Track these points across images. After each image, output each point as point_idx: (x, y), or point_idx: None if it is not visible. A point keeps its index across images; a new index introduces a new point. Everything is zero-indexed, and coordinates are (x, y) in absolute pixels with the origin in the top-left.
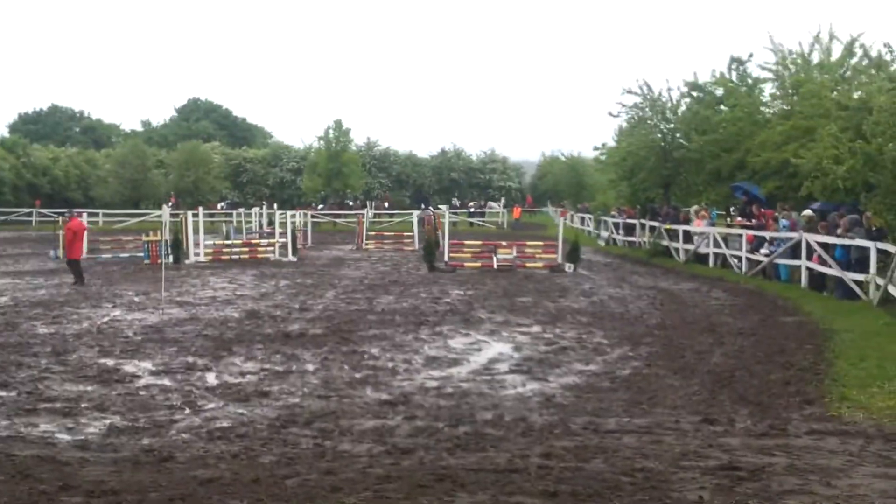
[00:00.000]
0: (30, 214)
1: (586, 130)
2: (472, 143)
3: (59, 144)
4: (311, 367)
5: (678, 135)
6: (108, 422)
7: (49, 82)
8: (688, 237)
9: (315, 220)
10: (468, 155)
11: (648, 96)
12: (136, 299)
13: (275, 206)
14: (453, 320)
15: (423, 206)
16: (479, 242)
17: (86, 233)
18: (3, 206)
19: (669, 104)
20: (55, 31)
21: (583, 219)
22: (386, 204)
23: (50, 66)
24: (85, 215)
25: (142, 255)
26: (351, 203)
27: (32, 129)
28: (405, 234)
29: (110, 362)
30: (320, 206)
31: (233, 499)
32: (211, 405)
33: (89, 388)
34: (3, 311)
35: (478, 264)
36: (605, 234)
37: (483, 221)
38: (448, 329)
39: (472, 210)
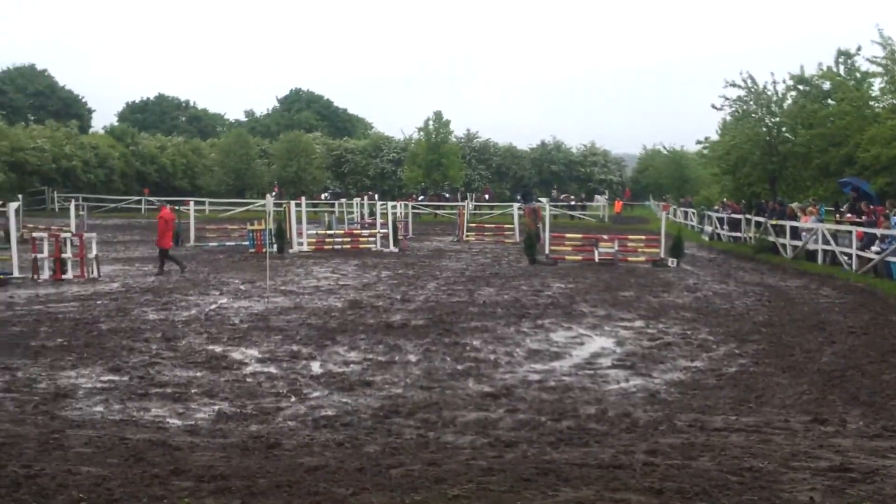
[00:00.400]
0: (139, 202)
1: (689, 124)
2: (573, 137)
3: (166, 133)
4: (413, 358)
5: (784, 129)
6: (216, 408)
7: (156, 72)
8: (795, 233)
9: (416, 211)
10: (568, 147)
11: (753, 89)
12: (242, 287)
13: (376, 196)
14: (555, 313)
15: (520, 197)
16: (580, 236)
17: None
18: (112, 195)
19: (775, 97)
20: (163, 22)
21: (686, 213)
22: (486, 196)
23: (157, 56)
24: (192, 204)
25: (247, 243)
26: (448, 195)
27: (140, 118)
28: (506, 226)
29: (218, 349)
30: (420, 198)
31: (338, 487)
32: (316, 393)
33: (198, 374)
34: (115, 297)
35: (579, 258)
36: (708, 228)
37: (584, 215)
38: (550, 322)
39: (572, 203)
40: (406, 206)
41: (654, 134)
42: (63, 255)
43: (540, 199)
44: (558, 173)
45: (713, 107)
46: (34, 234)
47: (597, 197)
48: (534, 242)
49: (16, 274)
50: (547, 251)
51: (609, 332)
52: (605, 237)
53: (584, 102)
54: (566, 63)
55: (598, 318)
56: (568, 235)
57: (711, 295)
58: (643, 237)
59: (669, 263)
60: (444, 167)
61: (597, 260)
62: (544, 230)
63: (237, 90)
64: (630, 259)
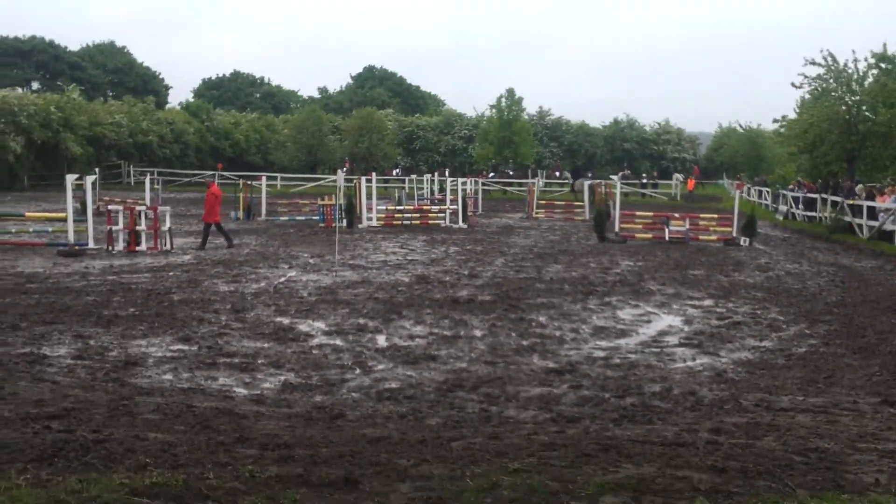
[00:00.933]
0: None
1: (765, 102)
2: (646, 114)
3: (241, 109)
4: (478, 333)
5: (864, 107)
6: (282, 378)
7: (232, 49)
8: (872, 213)
9: (486, 188)
10: (642, 125)
11: (833, 67)
12: (311, 261)
13: (446, 173)
14: (622, 291)
15: (567, 176)
16: (650, 213)
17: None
18: (187, 169)
19: (855, 76)
20: (238, 0)
21: (760, 192)
22: (557, 173)
23: (233, 33)
24: (264, 178)
25: (317, 218)
26: (511, 172)
27: (215, 94)
28: (576, 203)
29: (286, 321)
30: (491, 175)
31: (399, 458)
32: (380, 366)
33: (266, 346)
34: (187, 269)
35: (649, 235)
36: (783, 208)
37: (656, 193)
38: (617, 300)
39: (644, 181)
40: (476, 182)
41: (730, 112)
42: (137, 228)
43: (611, 176)
44: (631, 151)
45: (792, 85)
46: (110, 207)
47: (675, 175)
48: (603, 220)
49: (91, 245)
50: (617, 229)
51: (677, 311)
52: (677, 215)
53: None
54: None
55: (667, 297)
56: (638, 213)
57: (783, 275)
58: (715, 216)
59: (742, 242)
60: (515, 144)
61: (667, 238)
62: (615, 207)
63: (311, 67)
64: (701, 237)
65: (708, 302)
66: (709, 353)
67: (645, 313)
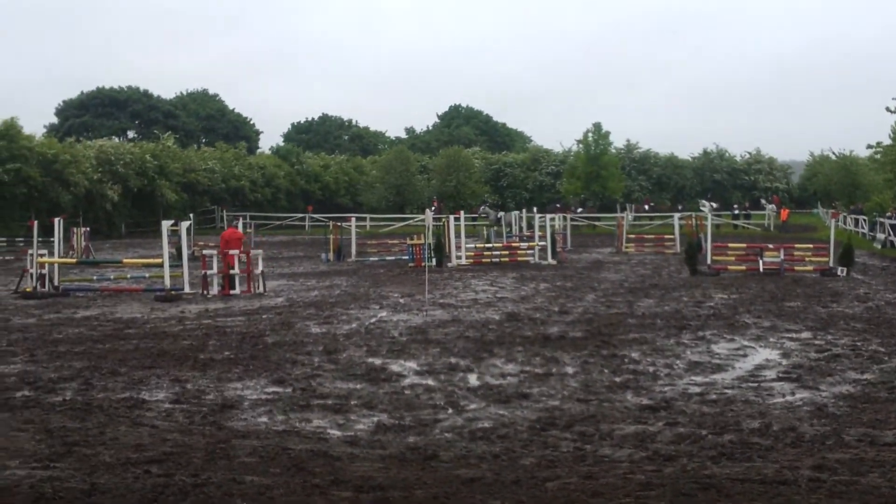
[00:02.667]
0: (303, 219)
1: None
2: (736, 144)
3: (329, 152)
4: (570, 370)
5: None
6: (375, 419)
7: (320, 93)
8: None
9: (574, 223)
10: (732, 156)
11: None
12: (402, 301)
13: (534, 209)
14: (717, 325)
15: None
16: (743, 245)
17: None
18: (278, 212)
19: None
20: (326, 45)
21: (856, 220)
22: (646, 207)
23: (320, 77)
24: (353, 220)
25: (406, 257)
26: (581, 209)
27: (304, 137)
28: (666, 236)
29: (377, 361)
30: (579, 210)
31: (494, 499)
32: (473, 405)
33: (358, 386)
34: (280, 311)
35: (742, 267)
36: (881, 236)
37: (748, 223)
38: (711, 334)
39: (735, 212)
40: (564, 217)
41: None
42: (231, 272)
43: (701, 207)
44: (721, 182)
45: (888, 110)
46: (204, 252)
47: (766, 205)
48: (695, 253)
49: (187, 290)
50: (709, 261)
51: (774, 344)
52: (771, 246)
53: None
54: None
55: (763, 330)
56: (731, 245)
57: (884, 305)
58: (811, 246)
59: (839, 272)
60: (603, 179)
61: (761, 270)
62: (706, 240)
63: (398, 108)
64: (797, 268)
65: (806, 334)
66: (808, 387)
67: (741, 347)
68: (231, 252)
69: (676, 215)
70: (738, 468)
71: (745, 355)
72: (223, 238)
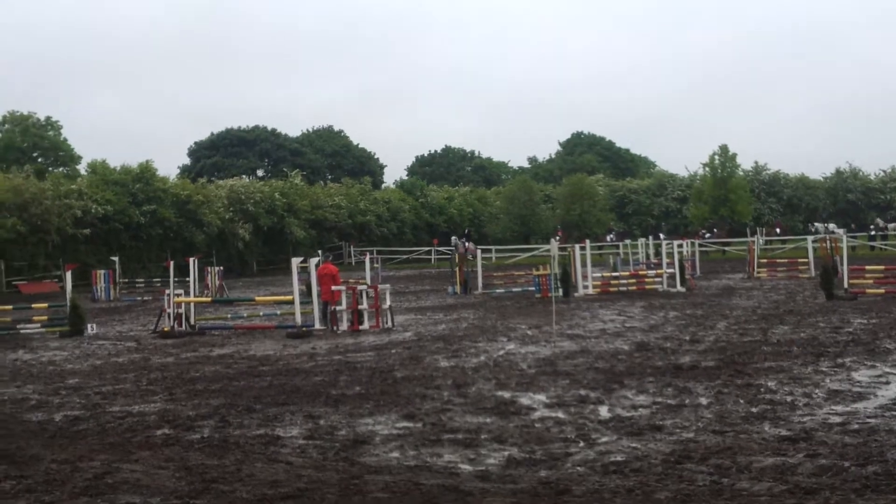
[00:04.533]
0: (428, 253)
1: None
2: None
3: (453, 184)
4: (704, 401)
5: None
6: (506, 453)
7: (441, 125)
8: None
9: (703, 248)
10: (866, 174)
11: None
12: (529, 332)
13: (661, 235)
14: (856, 351)
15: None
16: (881, 267)
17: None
18: (404, 246)
19: None
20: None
21: None
22: (777, 230)
23: (441, 110)
24: (479, 252)
25: (533, 288)
26: (707, 235)
27: (428, 170)
28: (800, 260)
29: (507, 394)
30: (707, 235)
31: None
32: (604, 438)
33: (488, 420)
34: (408, 345)
35: (882, 291)
36: None
37: (885, 245)
38: (851, 361)
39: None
40: (692, 244)
41: None
42: (360, 307)
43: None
44: (855, 202)
45: None
46: (333, 288)
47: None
48: (831, 276)
49: (317, 326)
50: (846, 285)
51: None
52: None
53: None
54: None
55: None
56: (868, 267)
57: None
58: None
59: None
60: (731, 202)
61: None
62: (841, 263)
63: (520, 137)
64: None
65: None
66: None
67: (882, 374)
68: (334, 288)
69: (810, 238)
70: (883, 501)
71: (887, 382)
72: (318, 274)
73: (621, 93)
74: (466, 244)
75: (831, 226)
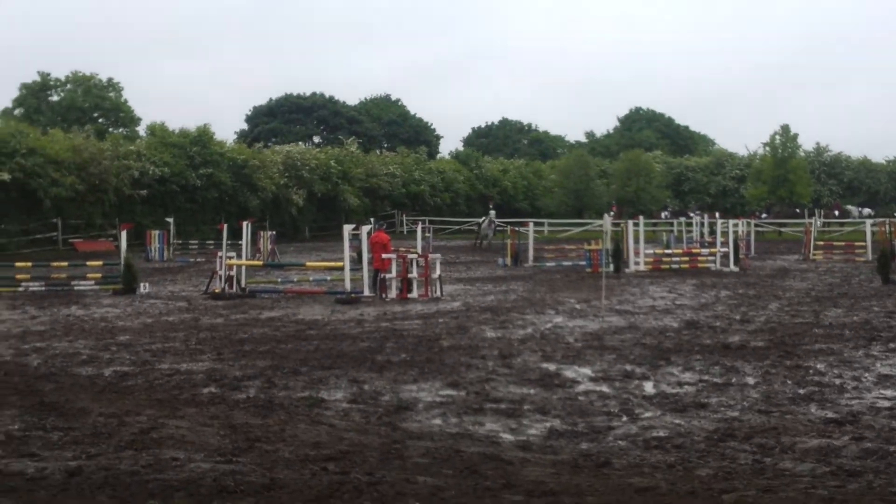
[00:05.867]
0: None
1: None
2: None
3: (508, 156)
4: (751, 381)
5: None
6: (548, 425)
7: (499, 97)
8: None
9: (759, 229)
10: None
11: None
12: (578, 307)
13: (717, 214)
14: None
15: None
16: None
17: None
18: (457, 217)
19: None
20: (506, 50)
21: None
22: (836, 212)
23: (500, 82)
24: (531, 224)
25: (584, 263)
26: (765, 215)
27: (484, 142)
28: (857, 243)
29: (552, 367)
30: (764, 215)
31: None
32: (648, 414)
33: (532, 392)
34: (456, 315)
35: None
36: None
37: None
38: None
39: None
40: (748, 223)
41: None
42: (409, 276)
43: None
44: None
45: None
46: (384, 256)
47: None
48: (888, 260)
49: (366, 293)
50: None
51: None
52: None
53: None
54: None
55: None
56: None
57: None
58: None
59: None
60: (790, 183)
61: None
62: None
63: (578, 112)
64: None
65: None
66: None
67: None
68: (385, 256)
69: (868, 221)
70: None
71: None
72: (370, 242)
73: (684, 69)
74: (491, 219)
75: (866, 211)
